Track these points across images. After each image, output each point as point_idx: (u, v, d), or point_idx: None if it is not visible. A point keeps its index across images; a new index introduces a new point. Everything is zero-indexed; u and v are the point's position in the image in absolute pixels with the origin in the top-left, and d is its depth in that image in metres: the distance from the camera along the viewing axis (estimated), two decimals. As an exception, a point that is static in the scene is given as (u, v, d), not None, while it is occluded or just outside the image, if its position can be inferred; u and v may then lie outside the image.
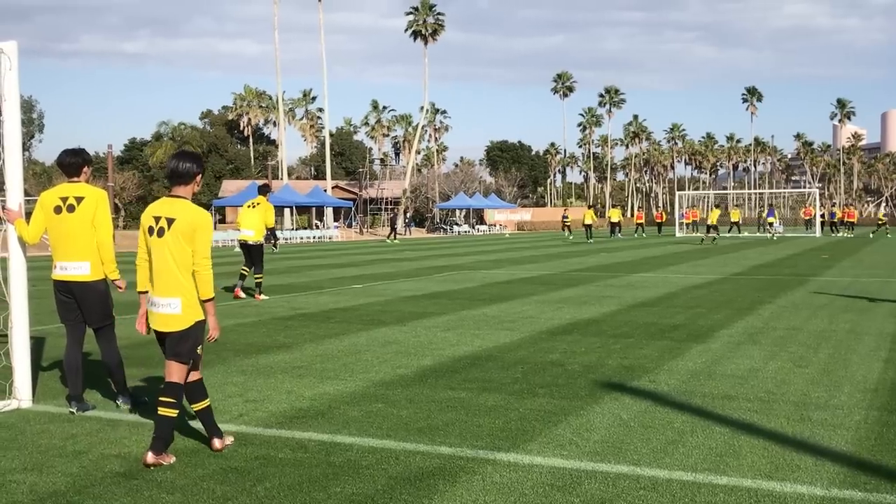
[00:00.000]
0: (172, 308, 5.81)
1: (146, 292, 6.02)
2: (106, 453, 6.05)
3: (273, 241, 16.81)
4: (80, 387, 7.35)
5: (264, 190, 17.12)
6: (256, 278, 16.61)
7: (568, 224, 57.91)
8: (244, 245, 16.80)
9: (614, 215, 59.02)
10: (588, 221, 48.73)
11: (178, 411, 5.86)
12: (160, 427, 5.76)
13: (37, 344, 10.26)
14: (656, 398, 7.63)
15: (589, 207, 55.83)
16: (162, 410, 5.78)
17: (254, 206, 16.62)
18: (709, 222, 45.74)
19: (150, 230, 5.87)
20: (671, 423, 6.75)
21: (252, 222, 16.48)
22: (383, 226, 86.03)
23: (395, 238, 56.09)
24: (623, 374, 8.76)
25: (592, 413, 7.08)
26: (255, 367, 9.26)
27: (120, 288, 7.56)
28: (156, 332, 5.96)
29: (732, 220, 59.89)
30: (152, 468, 5.62)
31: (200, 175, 6.03)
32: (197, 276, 5.84)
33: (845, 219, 59.88)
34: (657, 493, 5.11)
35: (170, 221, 5.81)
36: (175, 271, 5.80)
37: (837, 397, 7.61)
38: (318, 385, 8.33)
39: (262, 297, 16.54)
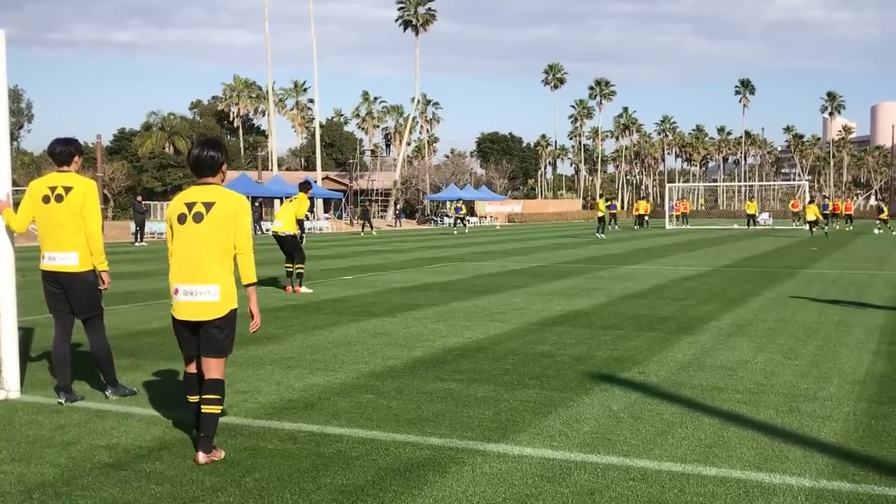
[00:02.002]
0: (211, 296, 5.63)
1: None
2: (95, 444, 6.03)
3: (301, 234, 16.94)
4: (68, 377, 7.32)
5: (304, 187, 17.39)
6: (297, 269, 16.51)
7: (461, 217, 55.66)
8: (276, 237, 16.90)
9: (641, 207, 59.39)
10: (602, 213, 46.02)
11: (222, 407, 5.77)
12: (207, 425, 5.59)
13: (25, 334, 10.21)
14: (646, 389, 7.65)
15: (601, 197, 52.34)
16: (209, 409, 5.61)
17: (292, 201, 17.02)
18: (809, 218, 43.26)
19: (182, 218, 5.65)
20: (661, 414, 6.77)
21: (282, 215, 16.79)
22: (374, 217, 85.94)
23: (368, 230, 56.06)
24: (613, 365, 8.78)
25: (582, 404, 7.10)
26: (244, 358, 9.23)
27: (104, 284, 7.44)
28: (184, 323, 5.72)
29: (749, 212, 58.90)
30: (203, 464, 5.49)
31: (225, 163, 5.83)
32: (241, 261, 5.76)
33: (844, 211, 59.23)
34: (646, 483, 5.12)
35: (208, 206, 5.63)
36: (213, 257, 5.62)
37: (826, 389, 7.64)
38: (307, 376, 8.32)
39: (303, 289, 16.30)
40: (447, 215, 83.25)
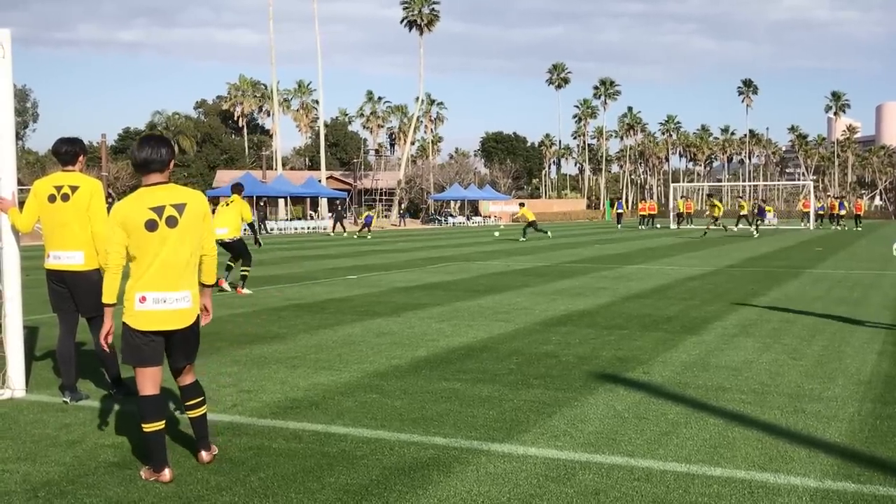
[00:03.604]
0: (186, 302, 5.31)
1: (115, 305, 5.39)
2: (99, 443, 6.04)
3: (255, 237, 16.90)
4: (73, 376, 7.33)
5: (237, 189, 17.04)
6: (242, 271, 16.33)
7: (367, 224, 50.22)
8: (222, 244, 16.16)
9: (681, 206, 59.67)
10: (531, 218, 43.09)
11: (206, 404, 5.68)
12: (203, 427, 5.56)
13: (30, 333, 10.23)
14: (650, 389, 7.64)
15: (521, 206, 48.24)
16: (199, 411, 5.55)
17: (228, 205, 16.64)
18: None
19: (153, 224, 5.21)
20: (665, 414, 6.76)
21: (225, 220, 16.26)
22: (378, 217, 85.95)
23: (341, 230, 53.13)
24: (617, 365, 8.77)
25: (587, 404, 7.09)
26: (248, 358, 9.24)
27: None
28: (151, 333, 5.27)
29: (741, 213, 58.84)
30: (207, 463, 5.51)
31: (173, 160, 5.47)
32: (208, 261, 5.55)
33: (854, 211, 59.02)
34: (651, 483, 5.12)
35: (179, 208, 5.29)
36: (188, 262, 5.33)
37: (831, 389, 7.63)
38: (312, 375, 8.32)
39: (245, 291, 15.97)
40: (451, 215, 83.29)
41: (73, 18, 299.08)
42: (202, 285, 5.58)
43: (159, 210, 5.25)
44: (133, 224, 5.22)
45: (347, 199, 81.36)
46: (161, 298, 5.23)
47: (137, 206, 5.26)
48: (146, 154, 5.28)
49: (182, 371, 5.55)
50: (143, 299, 5.23)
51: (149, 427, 5.24)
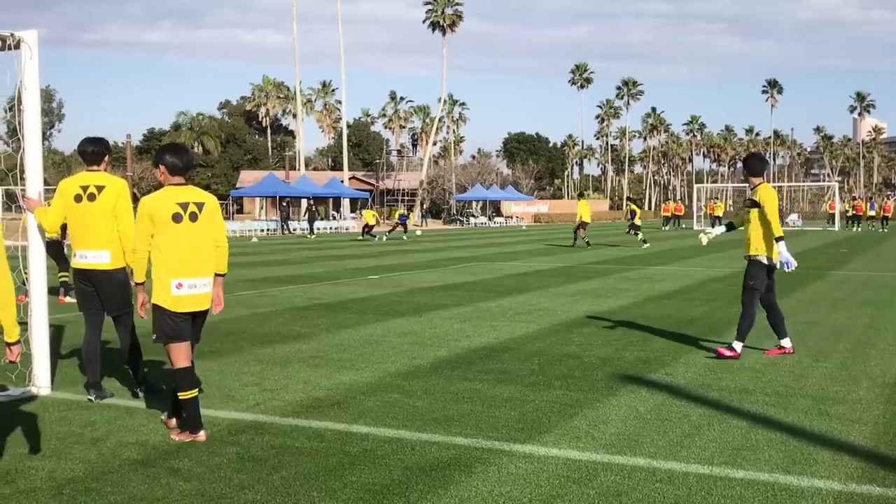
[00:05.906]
0: (209, 287, 6.21)
1: (144, 282, 6.27)
2: (124, 441, 6.09)
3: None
4: (98, 374, 7.39)
5: None
6: (61, 276, 14.90)
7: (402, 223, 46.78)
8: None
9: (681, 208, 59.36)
10: (371, 222, 42.12)
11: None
12: (192, 407, 6.07)
13: (56, 331, 10.34)
14: (673, 391, 7.61)
15: (370, 208, 44.79)
16: (189, 394, 6.05)
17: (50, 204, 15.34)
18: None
19: (178, 217, 6.04)
20: (688, 416, 6.73)
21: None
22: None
23: (311, 233, 51.19)
24: (639, 366, 8.74)
25: (608, 405, 7.07)
26: (271, 357, 9.29)
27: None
28: (184, 315, 6.08)
29: (714, 214, 58.38)
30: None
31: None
32: (221, 253, 6.31)
33: (882, 212, 58.27)
34: (673, 485, 5.10)
35: (199, 206, 6.15)
36: (210, 251, 6.19)
37: (856, 392, 7.56)
38: (334, 375, 8.35)
39: (67, 299, 14.17)
40: (473, 215, 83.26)
41: (100, 20, 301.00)
42: (216, 275, 6.34)
43: (184, 206, 6.09)
44: (161, 216, 6.01)
45: (370, 200, 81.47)
46: (193, 284, 6.09)
47: (165, 201, 6.06)
48: (179, 160, 6.14)
49: (185, 351, 6.16)
50: (179, 285, 6.03)
51: (185, 395, 6.04)
